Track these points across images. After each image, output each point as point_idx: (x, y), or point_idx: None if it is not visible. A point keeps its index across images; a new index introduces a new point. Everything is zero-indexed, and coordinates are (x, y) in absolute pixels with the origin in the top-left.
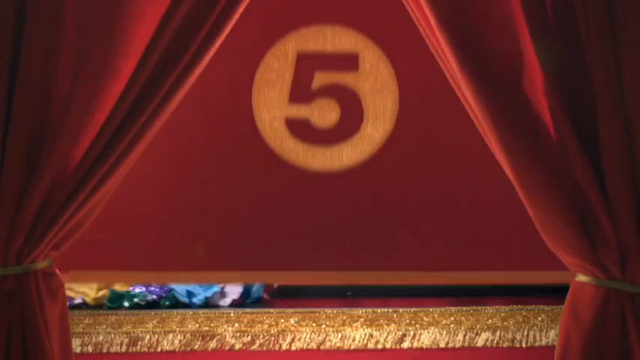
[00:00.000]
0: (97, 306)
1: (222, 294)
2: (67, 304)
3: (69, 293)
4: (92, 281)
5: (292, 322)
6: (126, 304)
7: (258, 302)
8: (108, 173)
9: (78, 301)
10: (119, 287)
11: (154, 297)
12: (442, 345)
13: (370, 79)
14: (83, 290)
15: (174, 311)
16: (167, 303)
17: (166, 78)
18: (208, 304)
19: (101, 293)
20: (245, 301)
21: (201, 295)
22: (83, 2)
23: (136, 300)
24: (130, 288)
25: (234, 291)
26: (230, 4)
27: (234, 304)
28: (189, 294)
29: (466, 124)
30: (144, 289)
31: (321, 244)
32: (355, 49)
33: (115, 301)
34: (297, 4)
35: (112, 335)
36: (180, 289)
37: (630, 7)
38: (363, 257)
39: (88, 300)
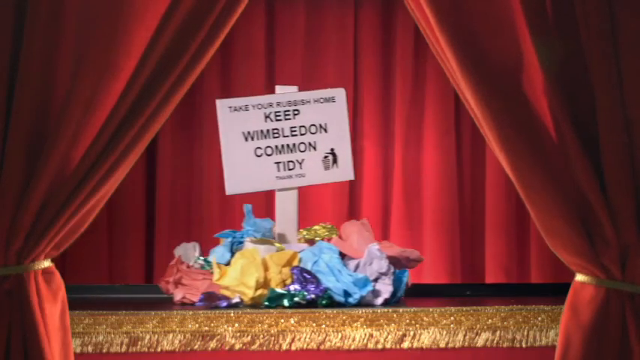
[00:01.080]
0: (253, 305)
1: (376, 293)
2: (226, 303)
3: (225, 292)
4: None
5: (292, 322)
6: (285, 303)
7: (398, 302)
8: (108, 173)
9: (236, 300)
10: (277, 287)
11: (313, 296)
12: (442, 345)
13: None
14: (241, 290)
15: (174, 311)
16: (324, 302)
17: (166, 78)
18: (361, 303)
19: (259, 292)
20: (391, 300)
21: (357, 294)
22: (83, 2)
23: (296, 299)
24: (286, 288)
25: (386, 290)
26: (230, 4)
27: (384, 303)
28: (346, 293)
29: None
30: (299, 287)
31: None
32: None
33: (274, 301)
34: None
35: (112, 335)
36: (336, 288)
37: (630, 8)
38: None
39: (246, 299)
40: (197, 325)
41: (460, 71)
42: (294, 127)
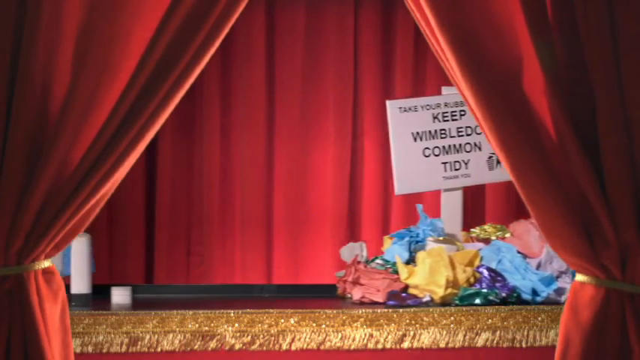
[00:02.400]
0: (444, 304)
1: (559, 291)
2: (416, 302)
3: (413, 291)
4: None
5: (292, 322)
6: (478, 301)
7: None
8: (108, 173)
9: (426, 299)
10: (463, 285)
11: (504, 294)
12: (442, 345)
13: None
14: (431, 288)
15: (174, 311)
16: (512, 300)
17: (166, 78)
18: (546, 301)
19: (448, 291)
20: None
21: (544, 292)
22: (83, 2)
23: (490, 298)
24: (477, 286)
25: (568, 288)
26: (230, 4)
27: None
28: (534, 292)
29: None
30: (486, 286)
31: None
32: None
33: (466, 299)
34: None
35: (112, 335)
36: (524, 287)
37: (630, 8)
38: None
39: (436, 298)
40: (197, 325)
41: (460, 71)
42: (461, 127)
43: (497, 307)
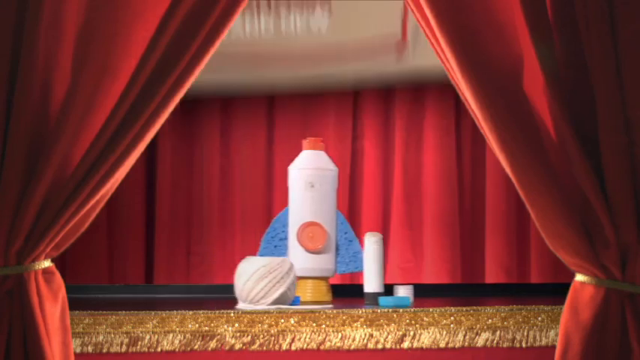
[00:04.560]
0: None
1: None
2: None
3: None
4: None
5: (292, 322)
6: None
7: None
8: (108, 173)
9: None
10: None
11: None
12: (442, 345)
13: None
14: None
15: (174, 311)
16: None
17: (166, 78)
18: None
19: None
20: None
21: None
22: (83, 2)
23: None
24: None
25: None
26: (230, 4)
27: None
28: None
29: None
30: None
31: None
32: None
33: None
34: None
35: (112, 335)
36: None
37: (630, 7)
38: None
39: None
40: (197, 325)
41: (460, 71)
42: None
43: (497, 307)
